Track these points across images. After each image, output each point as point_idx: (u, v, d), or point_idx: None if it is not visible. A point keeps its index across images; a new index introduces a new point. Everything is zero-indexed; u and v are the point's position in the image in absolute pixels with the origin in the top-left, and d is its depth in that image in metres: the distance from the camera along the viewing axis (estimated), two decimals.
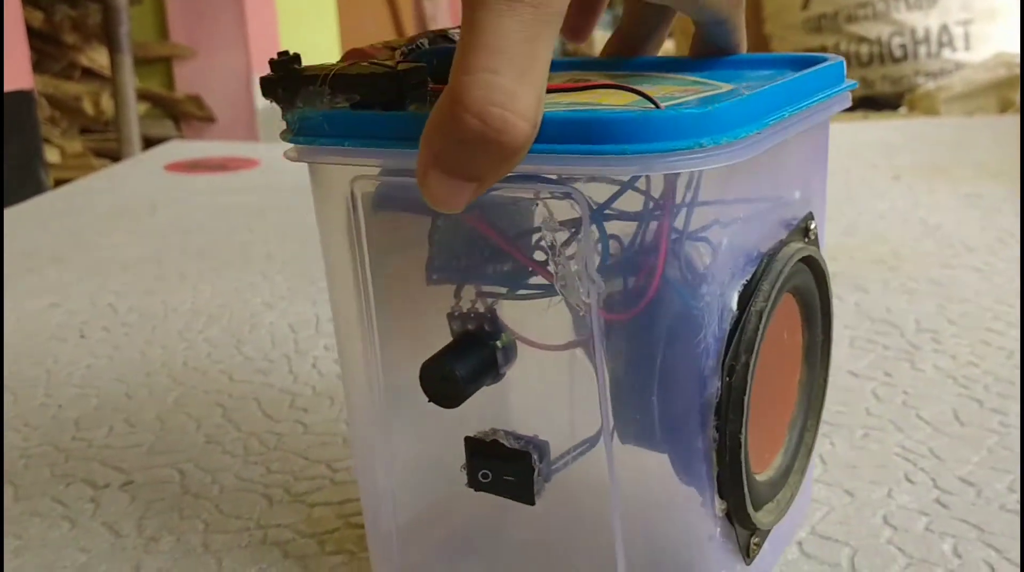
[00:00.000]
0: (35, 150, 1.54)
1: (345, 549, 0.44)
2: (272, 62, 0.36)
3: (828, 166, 0.40)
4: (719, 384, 0.32)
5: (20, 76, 1.53)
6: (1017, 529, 0.42)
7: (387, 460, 0.39)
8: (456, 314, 0.35)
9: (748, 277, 0.34)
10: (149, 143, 2.12)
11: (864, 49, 1.77)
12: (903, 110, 1.70)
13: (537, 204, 0.33)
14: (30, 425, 0.57)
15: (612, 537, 0.35)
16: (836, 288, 0.74)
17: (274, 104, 0.36)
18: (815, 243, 0.38)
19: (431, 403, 0.34)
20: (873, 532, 0.43)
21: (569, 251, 0.33)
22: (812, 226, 0.38)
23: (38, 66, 2.01)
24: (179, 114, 2.31)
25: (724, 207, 0.32)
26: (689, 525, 0.35)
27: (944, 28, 1.72)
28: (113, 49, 2.01)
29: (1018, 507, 0.44)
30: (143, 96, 2.22)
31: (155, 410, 0.59)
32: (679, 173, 0.30)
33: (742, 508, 0.34)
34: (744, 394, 0.32)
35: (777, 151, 0.35)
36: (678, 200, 0.31)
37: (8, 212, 1.16)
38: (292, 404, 0.59)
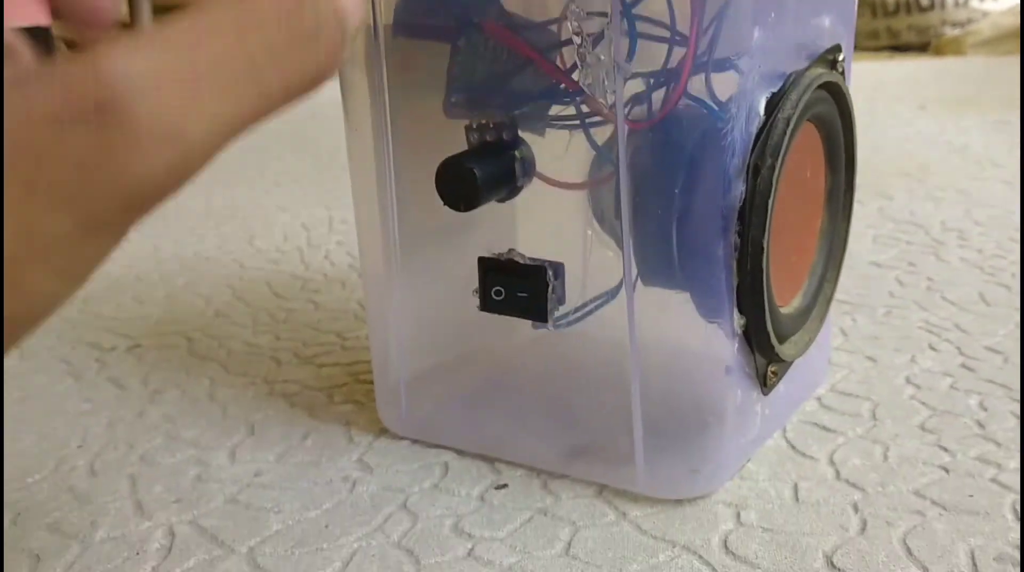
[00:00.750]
0: None
1: (354, 400, 0.43)
2: None
3: (856, 9, 0.39)
4: (743, 187, 0.31)
5: (36, 13, 1.53)
6: None
7: (398, 310, 0.38)
8: (475, 127, 0.34)
9: (775, 89, 0.32)
10: None
11: None
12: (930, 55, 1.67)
13: (568, 5, 0.32)
14: None
15: (627, 380, 0.33)
16: (859, 195, 0.72)
17: None
18: (842, 76, 0.37)
19: (446, 206, 0.32)
20: (896, 390, 0.41)
21: (598, 49, 0.32)
22: (840, 58, 0.36)
23: (57, 13, 2.00)
24: None
25: (756, 15, 0.31)
26: (707, 352, 0.34)
27: None
28: None
29: None
30: None
31: (165, 290, 0.59)
32: None
33: (762, 328, 0.33)
34: (768, 198, 0.31)
35: None
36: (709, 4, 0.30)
37: None
38: (304, 287, 0.58)
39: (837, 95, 0.36)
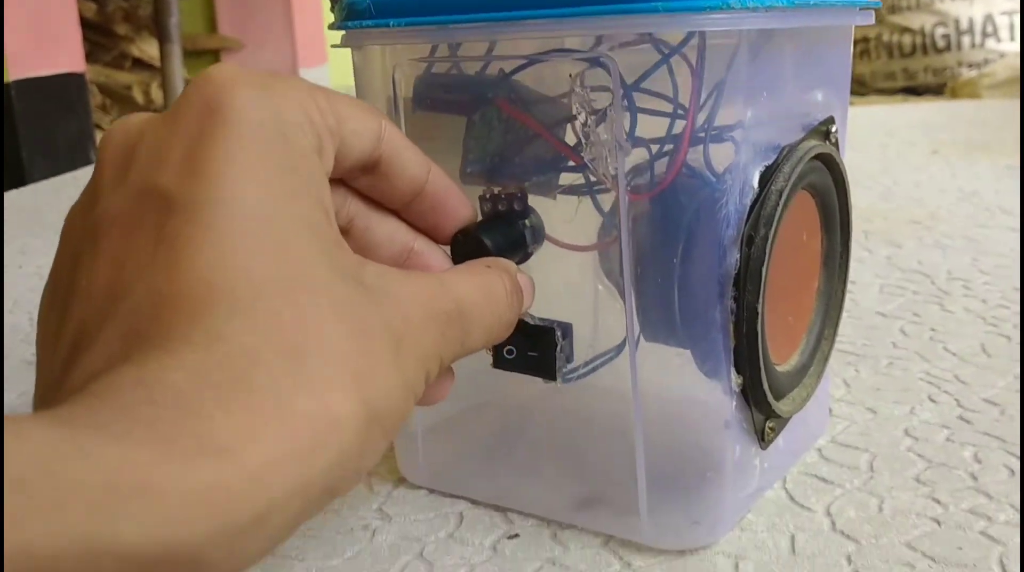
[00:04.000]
0: (86, 131, 1.59)
1: None
2: None
3: (849, 82, 0.41)
4: (738, 255, 0.33)
5: (72, 60, 1.58)
6: None
7: None
8: (487, 196, 0.36)
9: (769, 161, 0.34)
10: None
11: (907, 39, 1.76)
12: (945, 97, 1.69)
13: (576, 84, 0.34)
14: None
15: (632, 433, 0.35)
16: (869, 243, 0.74)
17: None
18: (835, 146, 0.39)
19: None
20: (894, 442, 0.43)
21: (601, 127, 0.34)
22: (833, 129, 0.38)
23: (91, 56, 2.06)
24: None
25: (752, 93, 0.33)
26: (707, 409, 0.36)
27: (989, 18, 1.70)
28: (163, 40, 2.05)
29: None
30: None
31: None
32: (705, 37, 0.31)
33: (758, 386, 0.35)
34: (762, 265, 0.33)
35: (802, 44, 0.36)
36: (706, 83, 0.33)
37: (63, 177, 1.20)
38: None
39: (831, 165, 0.38)
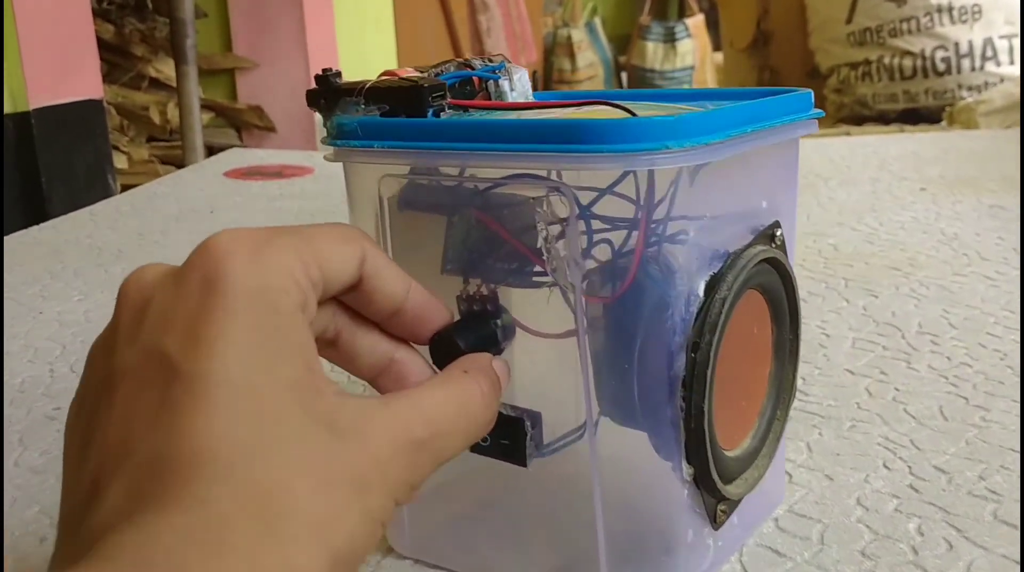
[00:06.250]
0: (104, 156, 1.63)
1: None
2: (317, 77, 0.42)
3: (798, 181, 0.44)
4: (685, 359, 0.37)
5: (91, 86, 1.63)
6: (981, 512, 0.46)
7: None
8: (464, 297, 0.40)
9: (715, 270, 0.38)
10: (212, 151, 2.21)
11: (908, 63, 1.79)
12: (943, 124, 1.71)
13: (539, 205, 0.38)
14: None
15: (594, 509, 0.39)
16: (848, 292, 0.77)
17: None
18: (782, 248, 0.42)
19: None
20: (846, 511, 0.47)
21: (559, 242, 0.38)
22: (778, 233, 0.42)
23: (108, 76, 2.11)
24: (241, 124, 2.40)
25: (695, 210, 0.37)
26: (663, 493, 0.39)
27: (988, 42, 1.73)
28: (179, 61, 2.10)
29: (985, 493, 0.47)
30: (207, 106, 2.32)
31: None
32: (653, 171, 0.35)
33: (707, 475, 0.38)
34: (707, 369, 0.37)
35: (743, 164, 0.39)
36: (656, 207, 0.36)
37: (81, 212, 1.24)
38: None
39: (777, 266, 0.41)
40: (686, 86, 4.25)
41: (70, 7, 1.56)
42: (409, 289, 0.35)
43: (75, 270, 0.95)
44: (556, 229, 0.38)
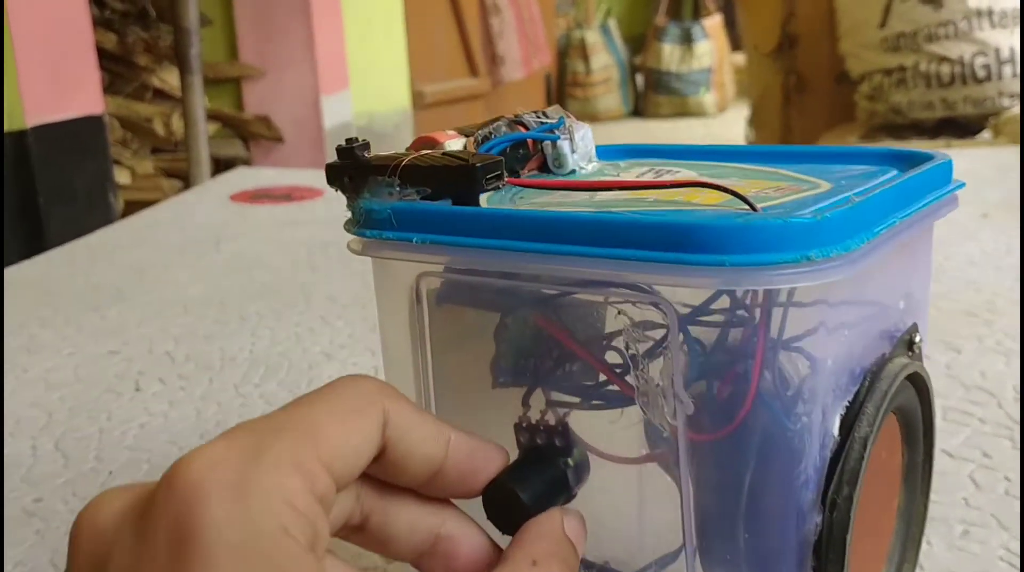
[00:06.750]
0: (105, 175, 1.56)
1: None
2: (340, 149, 0.34)
3: (931, 275, 0.37)
4: (819, 520, 0.29)
5: (91, 102, 1.55)
6: None
7: None
8: (524, 425, 0.32)
9: (850, 398, 0.30)
10: (218, 163, 2.14)
11: (945, 69, 1.70)
12: (986, 134, 1.62)
13: (618, 311, 0.30)
14: (78, 495, 0.56)
15: None
16: (925, 347, 0.69)
17: (339, 191, 0.34)
18: (919, 357, 0.34)
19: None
20: None
21: (652, 363, 0.30)
22: (917, 339, 0.34)
23: (110, 87, 2.04)
24: (248, 134, 2.33)
25: (824, 317, 0.29)
26: None
27: None
28: (184, 70, 2.03)
29: None
30: (213, 117, 2.24)
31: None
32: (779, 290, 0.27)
33: None
34: (847, 532, 0.29)
35: (883, 264, 0.31)
36: (774, 312, 0.28)
37: (77, 243, 1.17)
38: None
39: (917, 381, 0.33)
40: (703, 88, 4.16)
41: (69, 19, 1.49)
42: (448, 443, 0.27)
43: (67, 316, 0.87)
44: (644, 345, 0.30)
